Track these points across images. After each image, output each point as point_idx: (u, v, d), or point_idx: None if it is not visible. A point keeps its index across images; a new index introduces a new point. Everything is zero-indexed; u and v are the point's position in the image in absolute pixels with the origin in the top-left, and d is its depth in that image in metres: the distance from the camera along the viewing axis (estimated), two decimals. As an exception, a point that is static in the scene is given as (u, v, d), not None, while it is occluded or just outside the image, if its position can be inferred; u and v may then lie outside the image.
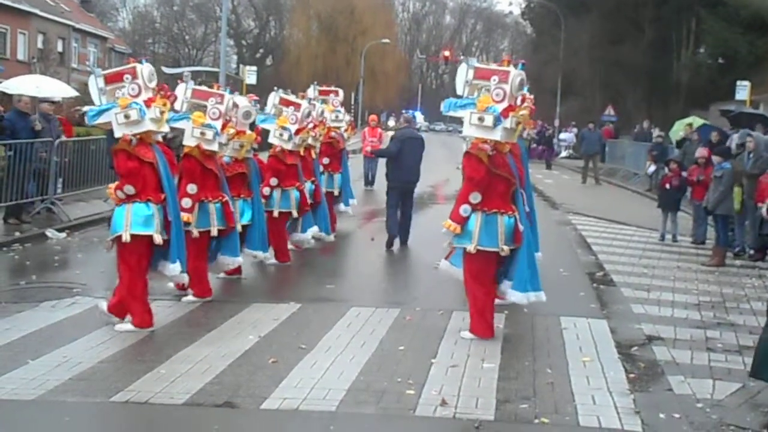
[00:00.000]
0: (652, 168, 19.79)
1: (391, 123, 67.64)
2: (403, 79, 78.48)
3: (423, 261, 10.38)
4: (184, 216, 7.43)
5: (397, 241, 11.32)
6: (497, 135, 6.49)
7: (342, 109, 12.61)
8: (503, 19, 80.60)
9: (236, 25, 74.56)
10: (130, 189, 6.58)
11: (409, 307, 7.53)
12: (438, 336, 6.59)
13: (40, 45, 38.79)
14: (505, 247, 6.55)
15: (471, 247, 6.51)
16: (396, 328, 6.86)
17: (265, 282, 8.96)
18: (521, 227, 6.65)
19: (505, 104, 6.48)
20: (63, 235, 11.27)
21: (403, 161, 11.25)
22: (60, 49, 41.27)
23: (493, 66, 6.82)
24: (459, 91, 6.76)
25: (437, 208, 14.93)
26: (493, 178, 6.55)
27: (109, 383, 5.23)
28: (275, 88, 10.44)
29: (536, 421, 4.81)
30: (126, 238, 6.50)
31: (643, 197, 20.16)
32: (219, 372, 5.51)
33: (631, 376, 5.68)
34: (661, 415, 4.92)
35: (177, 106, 7.80)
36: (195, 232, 7.65)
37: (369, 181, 19.35)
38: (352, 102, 55.77)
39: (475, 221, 6.51)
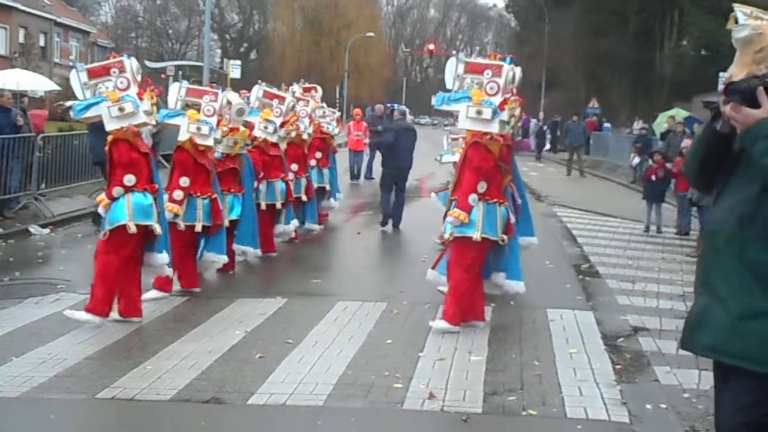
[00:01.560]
0: (636, 160, 19.89)
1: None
2: (388, 73, 78.31)
3: (409, 254, 10.39)
4: (174, 207, 7.49)
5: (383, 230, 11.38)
6: (495, 128, 6.60)
7: (324, 105, 12.80)
8: (487, 12, 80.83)
9: (220, 19, 74.13)
10: (131, 179, 6.55)
11: (396, 301, 7.52)
12: (425, 329, 6.58)
13: (21, 39, 38.38)
14: (505, 237, 6.70)
15: (477, 235, 6.53)
16: (383, 321, 6.86)
17: (251, 277, 8.93)
18: (513, 219, 6.79)
19: (499, 97, 6.62)
20: (46, 230, 11.19)
21: (398, 150, 12.33)
22: (42, 43, 40.88)
23: (485, 60, 6.91)
24: (449, 85, 6.83)
25: (422, 201, 14.92)
26: (496, 170, 6.68)
27: (95, 380, 5.20)
28: (258, 81, 10.53)
29: (524, 413, 4.82)
30: (133, 228, 6.47)
31: (627, 189, 20.26)
32: (205, 368, 5.48)
33: (618, 367, 5.71)
34: (648, 406, 4.95)
35: (171, 104, 7.95)
36: (182, 225, 7.65)
37: (355, 175, 19.35)
38: (337, 96, 55.62)
39: (478, 210, 6.56)
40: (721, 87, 2.84)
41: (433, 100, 6.91)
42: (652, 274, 9.21)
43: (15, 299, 7.42)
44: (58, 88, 20.07)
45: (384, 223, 12.26)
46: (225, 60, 41.80)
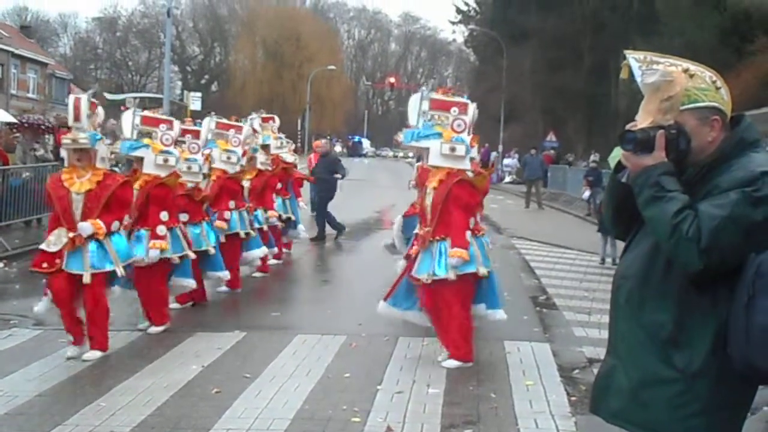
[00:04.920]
0: (587, 193, 20.17)
1: (338, 149, 67.52)
2: (350, 106, 78.90)
3: (369, 287, 10.38)
4: (162, 243, 7.49)
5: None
6: (466, 164, 6.69)
7: (283, 136, 12.90)
8: (447, 46, 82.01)
9: (180, 51, 74.11)
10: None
11: (354, 334, 7.52)
12: (384, 362, 6.60)
13: (-23, 71, 37.92)
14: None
15: (482, 270, 6.58)
16: (342, 355, 6.86)
17: (208, 310, 8.84)
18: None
19: (467, 134, 6.70)
20: (0, 264, 10.98)
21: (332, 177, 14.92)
22: (-2, 74, 40.41)
23: (450, 97, 6.96)
24: (412, 121, 6.78)
25: (383, 234, 14.97)
26: (480, 204, 6.97)
27: (47, 417, 5.10)
28: (210, 113, 10.55)
29: (480, 445, 4.84)
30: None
31: (583, 221, 20.56)
32: (161, 403, 5.42)
33: (573, 398, 5.77)
34: (602, 437, 5.00)
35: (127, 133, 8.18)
36: (176, 258, 7.70)
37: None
38: (299, 128, 55.77)
39: (473, 246, 6.59)
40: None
41: (401, 137, 6.86)
42: (608, 306, 9.25)
43: (-34, 335, 7.26)
44: (14, 120, 19.80)
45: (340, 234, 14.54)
46: (185, 92, 41.70)
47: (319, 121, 67.43)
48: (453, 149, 6.59)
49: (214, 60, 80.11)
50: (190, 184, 8.47)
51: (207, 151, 9.35)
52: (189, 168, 8.40)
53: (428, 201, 6.73)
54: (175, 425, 5.01)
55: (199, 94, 33.41)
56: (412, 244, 7.40)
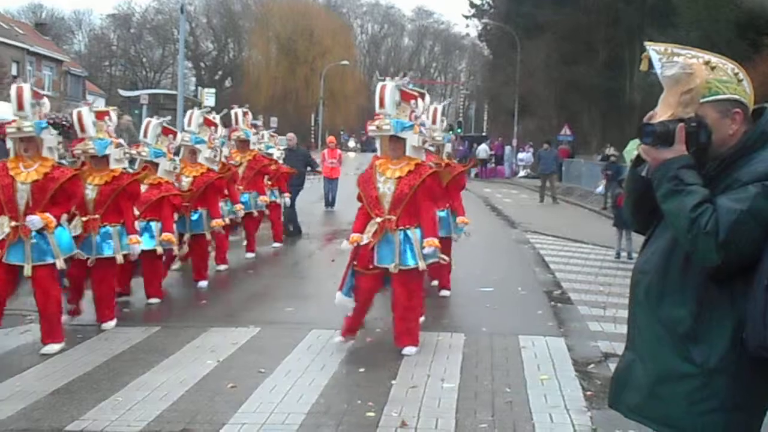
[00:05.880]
0: (601, 188, 20.04)
1: (351, 144, 67.83)
2: (363, 100, 78.71)
3: (383, 282, 10.39)
4: (138, 238, 7.75)
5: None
6: (424, 155, 6.96)
7: (266, 133, 13.47)
8: (461, 40, 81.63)
9: (194, 47, 74.29)
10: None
11: (369, 329, 7.51)
12: (398, 357, 6.59)
13: (-7, 68, 38.11)
14: None
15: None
16: (356, 349, 6.86)
17: (223, 306, 8.89)
18: None
19: (422, 126, 6.94)
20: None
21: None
22: (14, 72, 40.63)
23: (411, 88, 7.07)
24: (389, 110, 6.71)
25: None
26: None
27: (63, 412, 5.14)
28: (197, 106, 11.01)
29: (495, 440, 4.83)
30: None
31: (599, 215, 20.47)
32: (177, 398, 5.44)
33: (588, 393, 5.75)
34: (617, 432, 4.98)
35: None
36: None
37: (329, 202, 19.36)
38: (312, 123, 55.85)
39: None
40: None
41: (389, 126, 6.62)
42: (623, 300, 9.18)
43: (-17, 331, 7.32)
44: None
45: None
46: (199, 88, 41.90)
47: (333, 116, 67.48)
48: (425, 141, 6.82)
49: (227, 56, 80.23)
50: (178, 184, 9.00)
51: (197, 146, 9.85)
52: (175, 168, 8.92)
53: (386, 189, 6.66)
54: (191, 420, 5.03)
55: (213, 90, 33.58)
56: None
